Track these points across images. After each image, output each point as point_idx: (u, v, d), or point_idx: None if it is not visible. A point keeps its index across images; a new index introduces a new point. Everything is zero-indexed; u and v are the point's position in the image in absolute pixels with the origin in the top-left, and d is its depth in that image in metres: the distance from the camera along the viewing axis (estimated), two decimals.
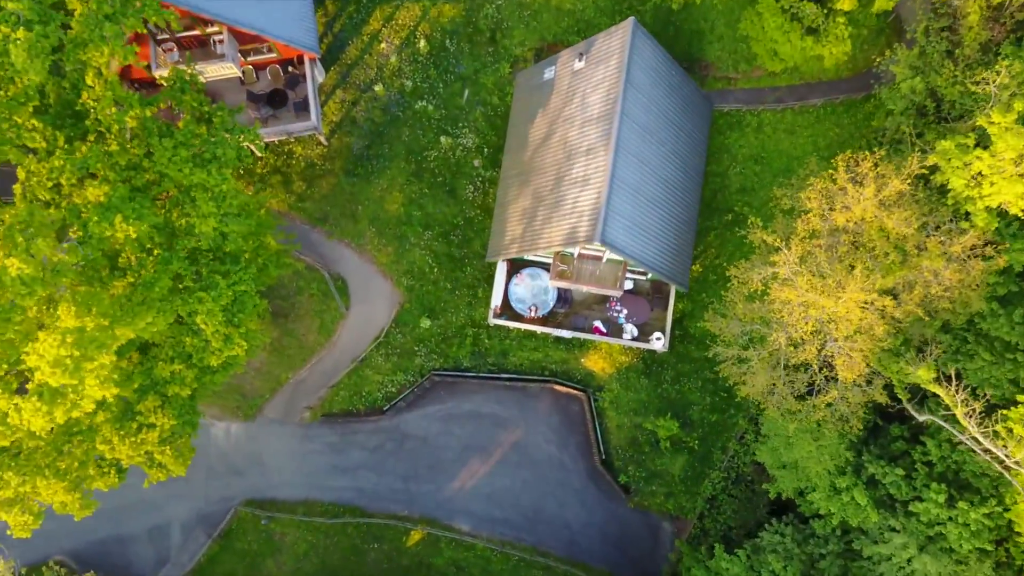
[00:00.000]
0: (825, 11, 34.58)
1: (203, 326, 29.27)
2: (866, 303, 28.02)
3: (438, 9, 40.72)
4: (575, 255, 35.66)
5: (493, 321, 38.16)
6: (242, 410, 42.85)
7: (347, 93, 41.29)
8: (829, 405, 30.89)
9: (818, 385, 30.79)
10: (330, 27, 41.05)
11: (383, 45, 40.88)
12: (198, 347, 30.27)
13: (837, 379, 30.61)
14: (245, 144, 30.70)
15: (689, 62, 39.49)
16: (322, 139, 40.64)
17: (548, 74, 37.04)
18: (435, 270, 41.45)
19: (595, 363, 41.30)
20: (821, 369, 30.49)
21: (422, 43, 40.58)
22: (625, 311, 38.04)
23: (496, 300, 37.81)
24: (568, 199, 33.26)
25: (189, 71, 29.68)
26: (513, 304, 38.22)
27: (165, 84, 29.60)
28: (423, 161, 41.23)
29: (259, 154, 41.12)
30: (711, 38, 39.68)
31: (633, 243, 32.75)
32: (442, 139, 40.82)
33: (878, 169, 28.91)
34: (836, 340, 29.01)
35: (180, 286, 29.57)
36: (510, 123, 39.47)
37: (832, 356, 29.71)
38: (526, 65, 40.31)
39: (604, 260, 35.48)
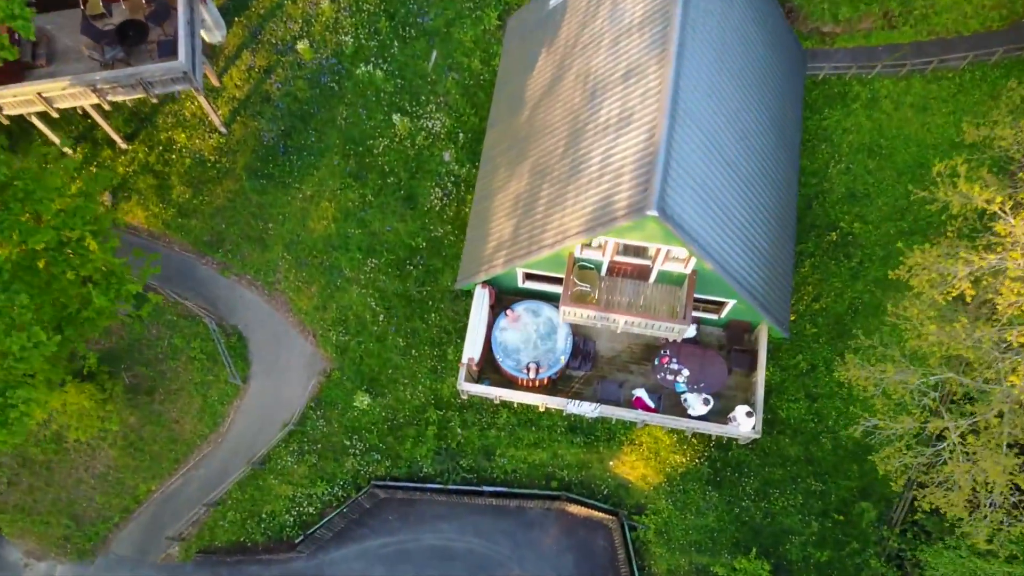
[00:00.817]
0: None
1: None
2: None
3: None
4: (603, 269, 21.14)
5: (465, 387, 23.05)
6: (75, 543, 27.10)
7: (257, 57, 28.08)
8: None
9: None
10: None
11: None
12: None
13: None
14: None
15: None
16: (215, 119, 27.07)
17: None
18: (381, 319, 26.82)
19: (632, 466, 25.91)
20: None
21: None
22: (686, 371, 22.99)
23: (472, 350, 22.84)
24: (594, 157, 19.16)
25: None
26: (500, 361, 23.27)
27: None
28: (367, 155, 27.51)
29: (121, 144, 27.46)
30: None
31: (709, 230, 18.37)
32: (396, 121, 27.27)
33: None
34: None
35: None
36: (497, 87, 25.98)
37: None
38: None
39: (653, 277, 20.90)
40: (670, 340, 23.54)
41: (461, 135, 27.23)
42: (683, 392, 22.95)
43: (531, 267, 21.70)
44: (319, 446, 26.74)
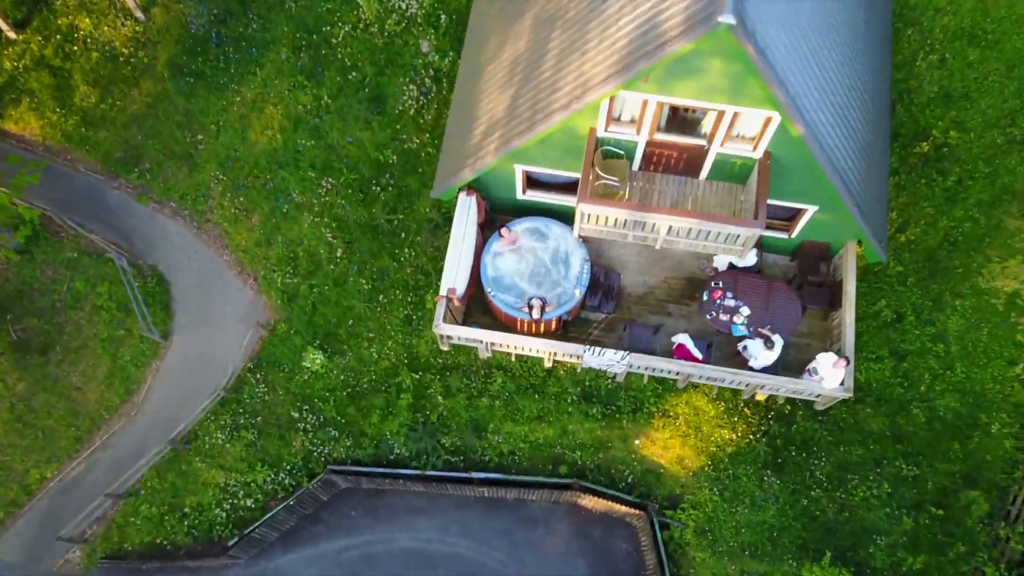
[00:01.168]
0: None
1: None
2: None
3: None
4: (636, 160, 15.09)
5: (444, 331, 16.91)
6: None
7: None
8: None
9: None
10: None
11: None
12: None
13: None
14: None
15: None
16: (130, 1, 21.16)
17: None
18: (339, 256, 20.85)
19: (664, 445, 19.88)
20: None
21: None
22: (746, 309, 16.85)
23: (452, 279, 16.69)
24: None
25: None
26: (492, 296, 17.15)
27: None
28: (323, 46, 21.62)
29: (10, 33, 21.55)
30: None
31: (798, 73, 12.40)
32: (361, 1, 21.39)
33: None
34: None
35: None
36: None
37: None
38: None
39: (707, 168, 14.86)
40: (720, 270, 17.52)
41: (443, 18, 21.26)
42: (742, 337, 16.82)
43: (534, 160, 15.68)
44: (259, 419, 20.71)
